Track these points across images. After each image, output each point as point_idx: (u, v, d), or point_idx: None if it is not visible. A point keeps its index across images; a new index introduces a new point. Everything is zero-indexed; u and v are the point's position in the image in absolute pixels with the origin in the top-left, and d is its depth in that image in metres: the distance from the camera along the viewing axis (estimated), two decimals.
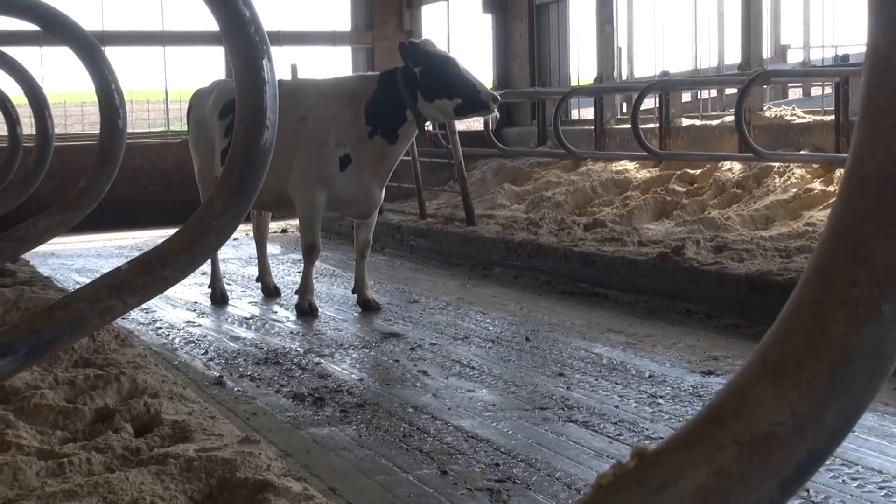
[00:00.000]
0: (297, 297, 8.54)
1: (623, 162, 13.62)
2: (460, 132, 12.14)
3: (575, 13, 16.85)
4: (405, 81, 8.09)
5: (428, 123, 8.29)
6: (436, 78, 8.01)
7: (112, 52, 17.13)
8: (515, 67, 17.62)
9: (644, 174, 13.00)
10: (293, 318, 8.35)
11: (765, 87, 13.11)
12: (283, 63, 19.19)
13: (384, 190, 8.53)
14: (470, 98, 7.97)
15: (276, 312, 8.66)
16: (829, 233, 1.04)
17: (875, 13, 1.02)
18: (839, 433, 1.02)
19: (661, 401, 5.71)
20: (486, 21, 18.16)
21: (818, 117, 11.79)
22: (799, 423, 1.00)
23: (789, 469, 1.00)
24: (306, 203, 8.29)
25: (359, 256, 8.60)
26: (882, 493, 4.27)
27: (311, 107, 8.34)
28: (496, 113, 8.24)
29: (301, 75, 11.85)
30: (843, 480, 4.43)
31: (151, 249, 2.30)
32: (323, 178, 8.20)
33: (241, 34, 2.25)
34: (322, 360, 6.82)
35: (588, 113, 16.62)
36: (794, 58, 18.05)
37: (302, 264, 8.71)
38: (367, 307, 8.51)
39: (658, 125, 13.62)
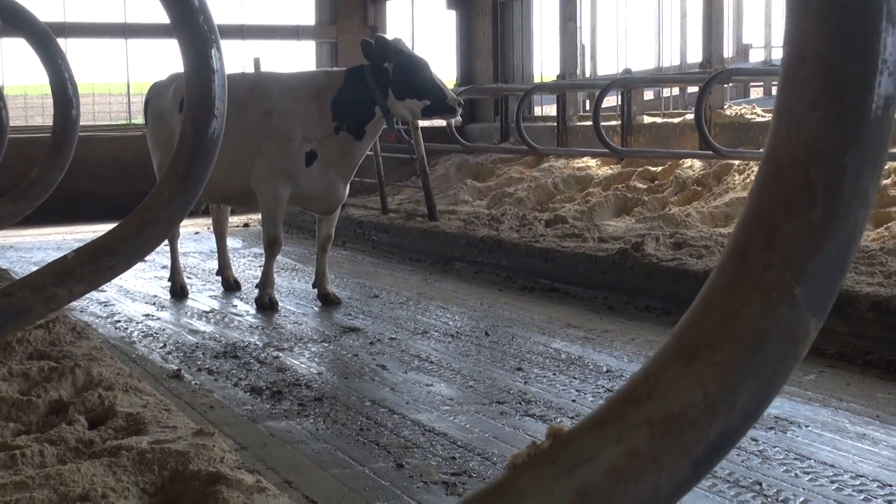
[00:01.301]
0: (257, 290, 8.51)
1: (585, 159, 13.67)
2: (423, 128, 12.15)
3: (538, 10, 16.88)
4: (375, 77, 8.07)
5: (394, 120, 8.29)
6: (409, 77, 8.02)
7: (73, 44, 17.01)
8: (479, 64, 17.64)
9: (606, 171, 13.06)
10: (253, 311, 8.32)
11: (726, 85, 13.18)
12: (246, 57, 19.11)
13: (349, 186, 8.52)
14: (438, 101, 8.04)
15: (235, 306, 8.63)
16: (745, 218, 1.06)
17: (791, 3, 1.04)
18: (751, 414, 1.04)
19: None
20: (450, 17, 18.17)
21: None
22: (711, 404, 1.02)
23: (701, 449, 1.02)
24: (269, 197, 8.25)
25: (320, 251, 8.58)
26: (833, 487, 4.31)
27: (275, 101, 8.29)
28: (459, 117, 8.38)
29: (265, 69, 11.79)
30: (796, 474, 4.47)
31: (98, 238, 2.29)
32: (288, 173, 8.16)
33: (189, 23, 2.24)
34: (281, 354, 6.81)
35: (551, 110, 16.66)
36: (756, 57, 18.18)
37: (263, 258, 8.68)
38: (328, 301, 8.50)
39: (620, 122, 13.68)
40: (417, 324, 7.73)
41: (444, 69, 17.47)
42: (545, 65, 17.00)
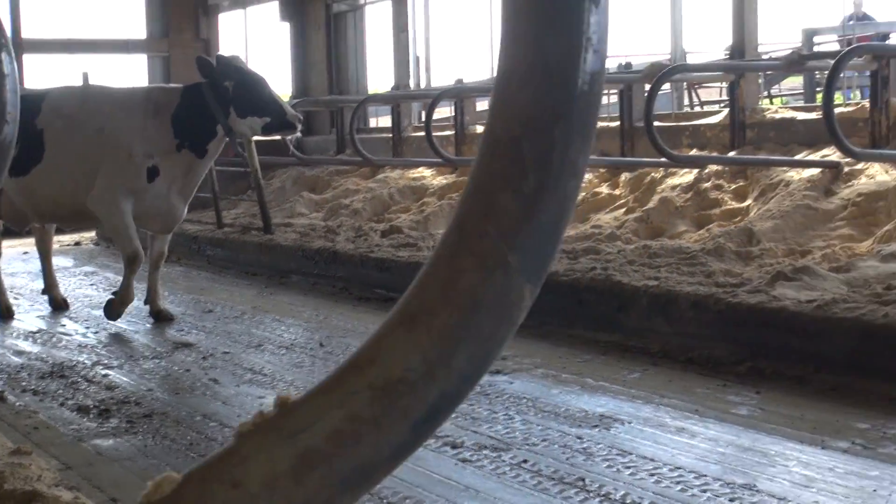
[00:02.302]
0: (111, 298, 8.20)
1: (420, 169, 13.78)
2: (259, 141, 12.06)
3: (372, 22, 16.98)
4: (215, 96, 7.96)
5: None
6: (249, 95, 7.95)
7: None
8: (314, 76, 17.61)
9: (440, 181, 13.18)
10: (82, 330, 8.13)
11: None
12: (75, 71, 18.65)
13: (188, 205, 8.38)
14: (279, 118, 8.02)
15: (64, 325, 8.42)
16: (466, 191, 1.12)
17: None
18: (470, 377, 1.09)
19: None
20: (284, 29, 18.10)
21: (605, 123, 12.21)
22: (430, 369, 1.07)
23: (420, 412, 1.07)
24: (111, 214, 7.96)
25: (152, 268, 8.42)
26: (653, 480, 4.46)
27: (109, 118, 8.06)
28: (298, 133, 8.40)
29: (94, 83, 11.53)
30: (618, 469, 4.61)
31: None
32: (129, 190, 7.90)
33: None
34: (110, 372, 6.68)
35: (387, 121, 16.76)
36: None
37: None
38: (160, 318, 8.37)
39: (454, 132, 13.84)
40: (252, 337, 7.69)
41: (279, 82, 17.41)
42: (381, 76, 17.10)
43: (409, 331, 1.09)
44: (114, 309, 8.13)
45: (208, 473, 1.10)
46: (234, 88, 7.94)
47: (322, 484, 1.03)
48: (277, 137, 10.57)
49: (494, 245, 1.08)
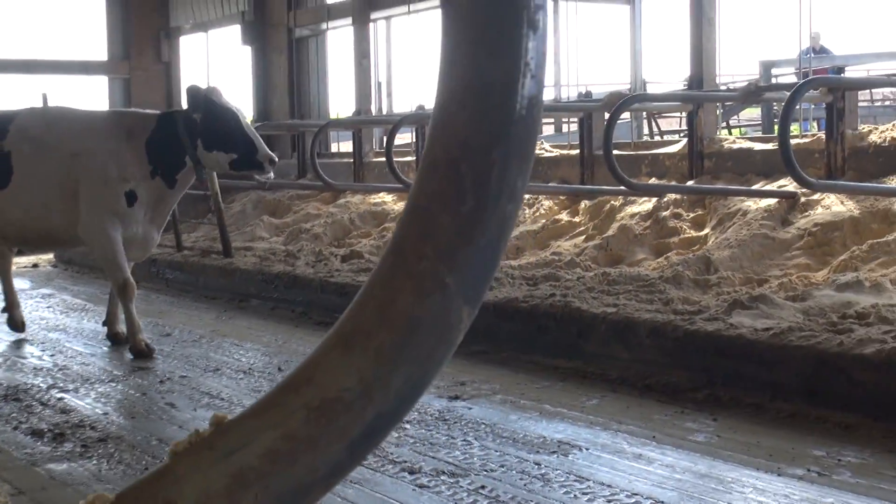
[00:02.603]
0: (130, 346, 7.94)
1: (381, 194, 13.79)
2: None
3: (334, 47, 17.01)
4: (186, 126, 7.87)
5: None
6: (216, 128, 7.81)
7: None
8: (275, 100, 17.60)
9: (401, 206, 13.19)
10: (38, 353, 8.05)
11: None
12: (34, 91, 18.52)
13: (160, 234, 8.26)
14: (247, 156, 7.84)
15: (20, 348, 8.34)
16: (404, 213, 1.13)
17: (444, 9, 1.11)
18: (407, 397, 1.10)
19: (407, 425, 5.81)
20: (246, 53, 18.09)
21: (565, 151, 12.28)
22: (366, 389, 1.07)
23: (357, 432, 1.07)
24: (101, 241, 7.80)
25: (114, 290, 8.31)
26: None
27: (81, 140, 7.93)
28: (271, 175, 8.11)
29: (54, 104, 11.46)
30: (575, 496, 4.62)
31: None
32: (113, 213, 7.77)
33: None
34: (66, 396, 6.61)
35: (348, 146, 16.76)
36: (548, 95, 18.72)
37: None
38: (117, 341, 8.29)
39: (415, 158, 13.87)
40: (210, 361, 7.64)
41: (241, 106, 17.38)
42: (342, 101, 17.13)
43: (345, 351, 1.10)
44: (136, 347, 7.85)
45: (141, 492, 1.10)
46: (202, 121, 7.83)
47: (256, 503, 1.03)
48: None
49: (432, 267, 1.09)
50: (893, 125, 9.67)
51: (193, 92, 7.93)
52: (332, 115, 17.13)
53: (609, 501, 4.53)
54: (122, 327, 8.45)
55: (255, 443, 1.06)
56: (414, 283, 1.09)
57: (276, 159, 8.05)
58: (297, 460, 1.05)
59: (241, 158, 7.86)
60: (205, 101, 7.88)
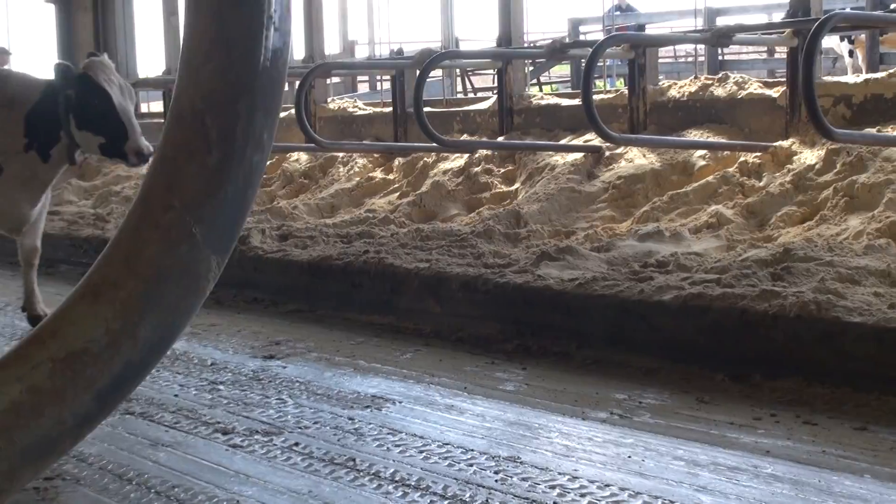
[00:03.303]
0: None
1: None
2: None
3: (141, 4, 16.57)
4: (64, 100, 7.28)
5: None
6: (87, 107, 7.22)
7: None
8: (80, 59, 16.99)
9: None
10: None
11: (330, 80, 13.50)
12: None
13: (38, 206, 7.68)
14: (114, 142, 7.25)
15: None
16: (151, 165, 1.15)
17: None
18: (157, 347, 1.13)
19: (221, 387, 5.80)
20: (49, 11, 17.45)
21: (378, 109, 12.32)
22: (113, 339, 1.10)
23: (105, 382, 1.10)
24: None
25: (26, 266, 7.77)
26: (421, 457, 4.57)
27: None
28: (142, 169, 7.53)
29: None
30: (388, 448, 4.69)
31: None
32: None
33: None
34: None
35: (159, 106, 16.40)
36: (362, 53, 18.69)
37: None
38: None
39: None
40: (16, 329, 7.43)
41: (47, 66, 16.78)
42: (152, 60, 16.74)
43: (92, 303, 1.12)
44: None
45: None
46: (76, 97, 7.22)
47: (1, 457, 1.04)
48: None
49: (179, 218, 1.12)
50: (691, 80, 10.05)
51: (63, 69, 7.30)
52: (142, 75, 16.69)
53: (421, 452, 4.63)
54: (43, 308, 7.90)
55: None
56: (161, 234, 1.11)
57: (147, 152, 7.29)
58: (43, 413, 1.06)
59: (108, 144, 7.28)
60: (79, 77, 7.26)
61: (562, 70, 21.13)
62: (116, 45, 16.85)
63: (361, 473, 4.38)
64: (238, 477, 4.37)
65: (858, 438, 4.58)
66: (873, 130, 8.23)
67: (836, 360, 5.20)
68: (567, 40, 14.17)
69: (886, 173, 7.64)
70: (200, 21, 1.07)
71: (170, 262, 1.08)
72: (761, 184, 8.42)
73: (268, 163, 9.73)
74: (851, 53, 15.98)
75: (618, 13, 19.26)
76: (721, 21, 16.25)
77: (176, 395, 5.64)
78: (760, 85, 9.62)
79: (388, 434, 4.89)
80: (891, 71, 8.89)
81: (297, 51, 14.03)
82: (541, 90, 16.43)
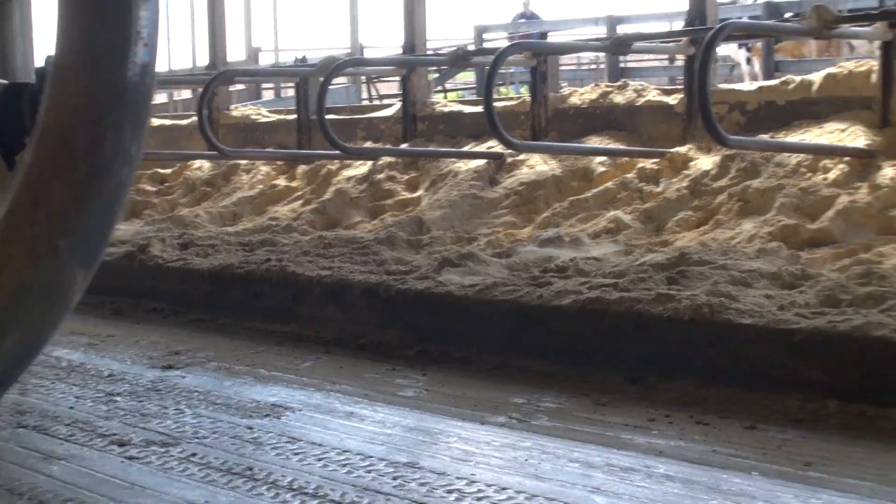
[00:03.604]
0: None
1: None
2: None
3: (39, 9, 16.28)
4: (31, 104, 7.04)
5: None
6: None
7: None
8: None
9: None
10: None
11: (234, 88, 13.41)
12: None
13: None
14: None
15: None
16: (19, 179, 1.15)
17: None
18: (21, 358, 1.13)
19: (118, 398, 5.72)
20: None
21: (282, 116, 12.27)
22: None
23: None
24: None
25: None
26: (320, 464, 4.55)
27: None
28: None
29: None
30: (287, 456, 4.67)
31: None
32: None
33: None
34: None
35: None
36: (267, 60, 18.59)
37: None
38: None
39: None
40: None
41: None
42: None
43: None
44: None
45: None
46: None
47: None
48: None
49: (44, 232, 1.12)
50: (592, 88, 10.18)
51: (44, 72, 7.13)
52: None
53: (320, 460, 4.62)
54: None
55: None
56: (25, 248, 1.11)
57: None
58: None
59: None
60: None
61: (467, 77, 21.26)
62: (14, 48, 16.53)
63: (259, 482, 4.36)
64: (133, 489, 4.32)
65: (748, 437, 4.69)
66: (766, 136, 8.42)
67: (728, 361, 5.32)
68: (472, 47, 14.27)
69: (778, 178, 7.83)
70: (69, 36, 1.07)
71: (34, 275, 1.08)
72: (659, 189, 8.57)
73: (169, 171, 9.65)
74: (749, 61, 16.34)
75: (522, 21, 19.45)
76: (622, 29, 16.53)
77: (71, 408, 5.55)
78: (659, 92, 9.79)
79: (287, 442, 4.87)
80: (783, 78, 9.11)
81: (200, 58, 13.93)
82: (446, 97, 16.52)
